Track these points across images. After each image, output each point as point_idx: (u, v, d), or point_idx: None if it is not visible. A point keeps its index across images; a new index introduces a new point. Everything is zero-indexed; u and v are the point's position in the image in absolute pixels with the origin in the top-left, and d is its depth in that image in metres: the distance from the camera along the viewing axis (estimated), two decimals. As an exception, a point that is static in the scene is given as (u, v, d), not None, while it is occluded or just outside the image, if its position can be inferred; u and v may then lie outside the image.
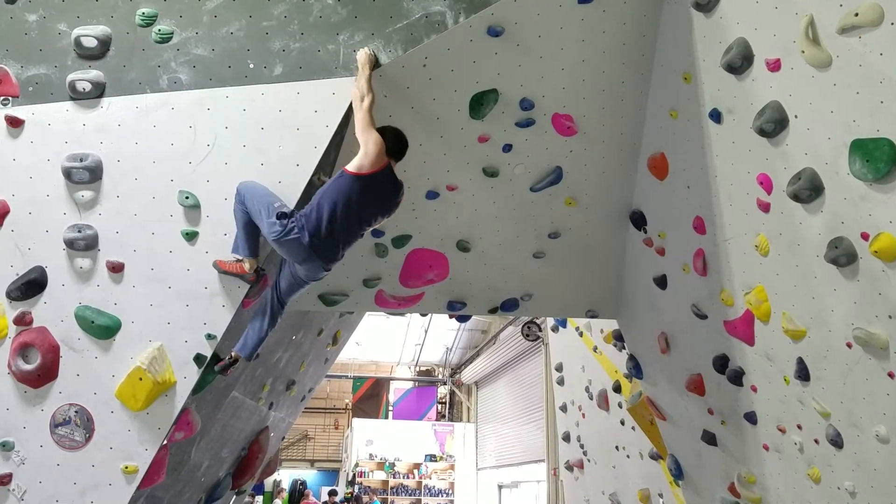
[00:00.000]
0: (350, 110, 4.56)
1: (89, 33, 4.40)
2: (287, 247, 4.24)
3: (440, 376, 24.12)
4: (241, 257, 4.33)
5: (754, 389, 4.92)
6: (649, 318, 5.97)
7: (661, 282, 5.56)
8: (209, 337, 4.37)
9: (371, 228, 4.58)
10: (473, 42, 4.63)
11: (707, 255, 4.91)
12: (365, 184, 4.27)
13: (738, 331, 4.83)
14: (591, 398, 8.48)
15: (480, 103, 4.92)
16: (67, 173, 4.35)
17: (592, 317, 6.44)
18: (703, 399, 5.62)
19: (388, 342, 21.31)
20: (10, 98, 4.45)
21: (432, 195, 5.41)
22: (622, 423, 7.74)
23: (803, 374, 4.30)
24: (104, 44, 4.43)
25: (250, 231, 4.31)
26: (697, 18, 4.25)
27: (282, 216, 4.18)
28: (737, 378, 5.03)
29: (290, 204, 4.37)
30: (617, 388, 7.64)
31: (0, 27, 4.48)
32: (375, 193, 4.35)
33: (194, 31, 4.44)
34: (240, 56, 4.45)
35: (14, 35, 4.48)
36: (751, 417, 5.06)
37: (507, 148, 5.20)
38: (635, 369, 6.59)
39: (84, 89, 4.41)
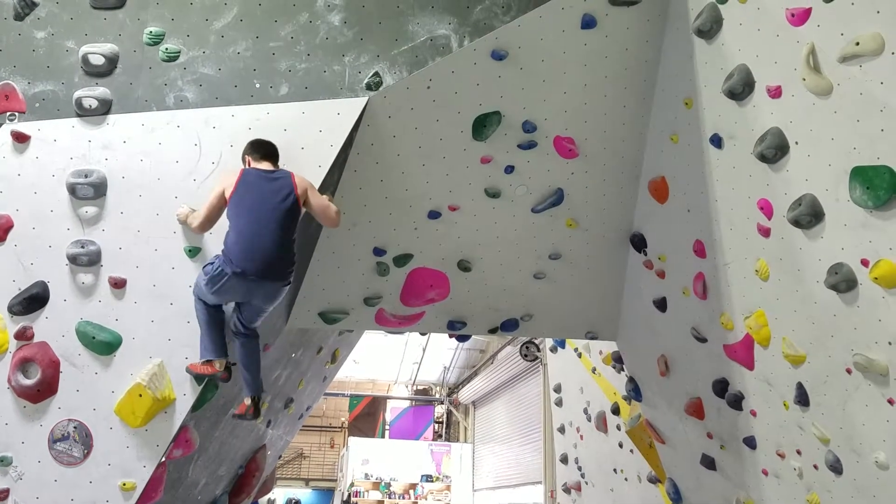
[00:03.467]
0: (355, 129, 4.60)
1: (97, 51, 4.44)
2: (227, 288, 4.09)
3: (437, 395, 24.02)
4: (210, 359, 4.27)
5: (754, 414, 4.91)
6: (649, 341, 5.98)
7: (661, 304, 5.57)
8: (210, 354, 4.36)
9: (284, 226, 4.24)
10: (477, 65, 4.69)
11: (707, 279, 4.93)
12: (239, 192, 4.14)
13: (738, 355, 4.84)
14: (590, 420, 8.45)
15: (483, 125, 4.96)
16: (72, 189, 4.37)
17: (592, 338, 6.44)
18: (703, 423, 5.61)
19: (385, 360, 21.23)
20: (16, 114, 4.49)
21: (434, 215, 5.43)
22: (621, 445, 7.71)
23: (803, 399, 4.30)
24: (111, 61, 4.48)
25: (214, 330, 4.28)
26: (699, 45, 4.30)
27: (209, 263, 4.16)
28: (736, 402, 5.03)
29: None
30: (615, 411, 7.62)
31: (8, 44, 4.53)
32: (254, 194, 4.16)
33: (201, 51, 4.49)
34: (246, 76, 4.49)
35: (22, 52, 4.53)
36: (750, 442, 5.05)
37: (510, 169, 5.24)
38: (634, 391, 6.58)
39: (90, 106, 4.44)
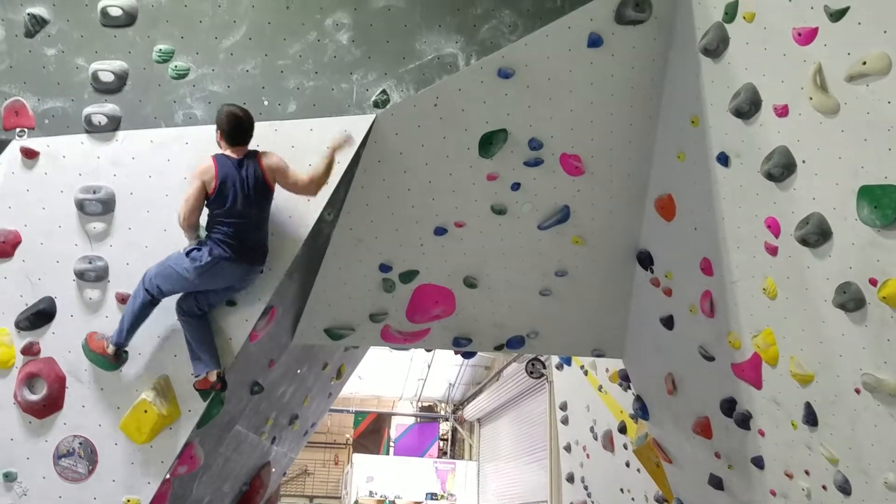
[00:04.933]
0: (362, 146, 4.62)
1: (107, 68, 4.49)
2: (217, 272, 4.15)
3: (442, 412, 23.91)
4: (202, 374, 4.27)
5: (762, 433, 4.88)
6: (656, 359, 5.95)
7: (668, 322, 5.55)
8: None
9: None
10: (484, 83, 4.71)
11: (714, 297, 4.91)
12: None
13: (746, 374, 4.81)
14: (596, 438, 8.39)
15: (490, 142, 4.98)
16: (80, 205, 4.40)
17: (598, 356, 6.42)
18: (710, 442, 5.56)
19: (390, 376, 21.14)
20: (25, 130, 4.54)
21: (440, 231, 5.44)
22: (627, 464, 7.65)
23: (811, 419, 4.27)
24: (121, 78, 4.52)
25: (203, 341, 4.29)
26: (705, 63, 4.31)
27: (194, 249, 4.16)
28: (744, 422, 4.99)
29: (299, 241, 4.42)
30: (622, 429, 7.57)
31: (18, 61, 4.58)
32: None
33: (210, 68, 4.53)
34: (255, 93, 4.52)
35: (32, 68, 4.58)
36: (758, 462, 5.01)
37: (516, 186, 5.25)
38: (641, 410, 6.54)
39: (100, 123, 4.48)
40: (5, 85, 4.57)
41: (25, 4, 4.59)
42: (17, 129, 4.53)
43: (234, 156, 4.20)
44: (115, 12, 4.53)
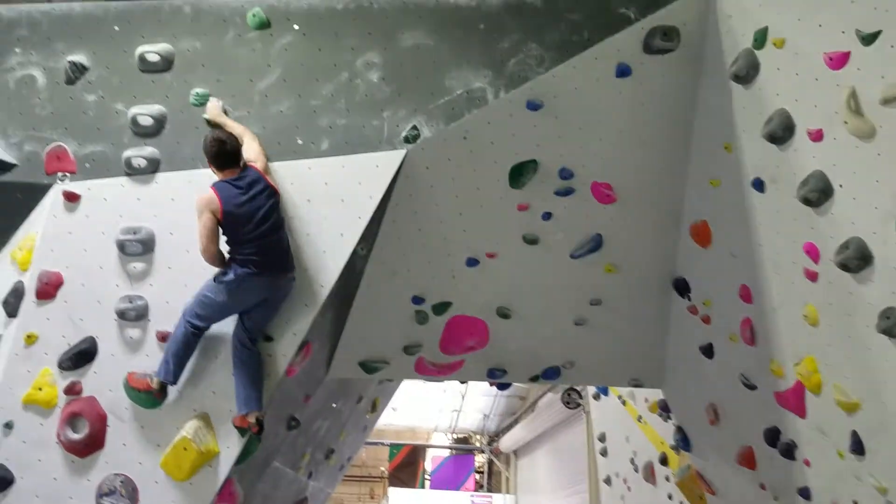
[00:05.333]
0: (393, 181, 4.67)
1: (145, 112, 4.62)
2: (247, 288, 4.22)
3: (478, 444, 23.67)
4: (245, 413, 4.30)
5: (807, 463, 4.74)
6: (696, 388, 5.84)
7: (708, 351, 5.46)
8: (253, 406, 4.39)
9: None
10: (513, 115, 4.75)
11: (755, 325, 4.82)
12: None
13: (789, 402, 4.69)
14: (637, 470, 8.22)
15: (520, 173, 5.00)
16: (121, 246, 4.49)
17: (636, 386, 6.33)
18: (755, 473, 5.42)
19: (424, 407, 21.04)
20: (67, 174, 4.67)
21: (472, 262, 5.44)
22: (670, 497, 7.47)
23: (858, 447, 4.14)
24: (159, 122, 4.64)
25: (250, 379, 4.32)
26: (736, 90, 4.30)
27: (220, 273, 4.24)
28: (789, 451, 4.86)
29: (333, 275, 4.45)
30: (664, 461, 7.41)
31: (59, 107, 4.75)
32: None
33: (246, 110, 4.64)
34: (289, 133, 4.61)
35: (73, 114, 4.74)
36: (805, 493, 4.86)
37: (547, 216, 5.24)
38: (683, 441, 6.41)
39: (139, 165, 4.59)
40: (47, 131, 4.73)
41: (66, 52, 4.76)
42: (59, 174, 4.67)
43: (230, 176, 4.24)
44: (153, 58, 4.67)
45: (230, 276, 4.21)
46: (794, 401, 4.63)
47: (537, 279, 5.59)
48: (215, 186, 4.22)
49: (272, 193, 4.31)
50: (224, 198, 4.16)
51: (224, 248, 4.30)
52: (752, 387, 5.07)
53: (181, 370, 4.32)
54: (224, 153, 4.22)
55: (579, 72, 4.63)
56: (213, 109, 4.53)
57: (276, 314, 4.44)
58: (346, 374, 5.98)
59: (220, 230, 4.23)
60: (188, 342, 4.29)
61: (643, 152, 5.00)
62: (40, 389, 4.42)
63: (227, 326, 4.42)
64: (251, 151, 4.38)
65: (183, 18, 4.73)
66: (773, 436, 5.00)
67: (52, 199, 4.63)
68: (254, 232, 4.20)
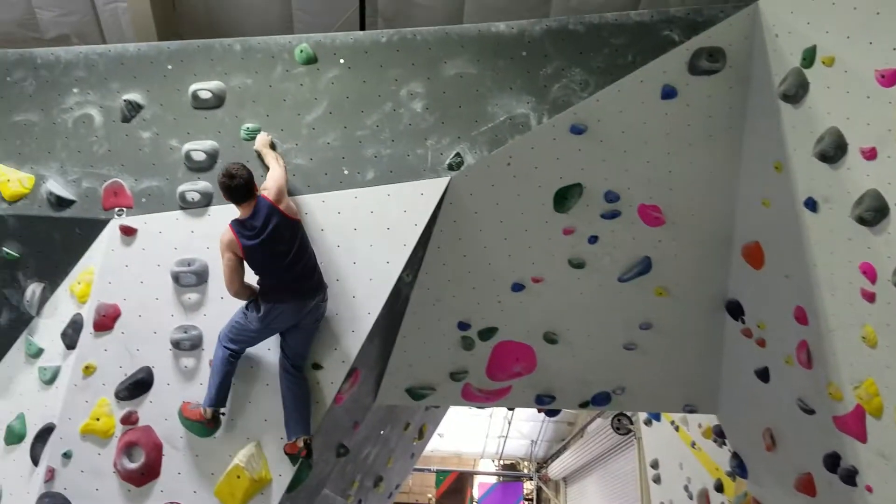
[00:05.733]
0: (438, 208, 4.70)
1: (198, 148, 4.75)
2: (277, 315, 4.27)
3: (526, 470, 23.37)
4: (293, 438, 4.34)
5: (869, 489, 4.57)
6: (752, 413, 5.69)
7: (763, 374, 5.33)
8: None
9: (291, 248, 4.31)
10: (557, 140, 4.75)
11: (811, 347, 4.69)
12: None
13: (849, 427, 4.54)
14: (692, 498, 8.02)
15: (565, 197, 4.99)
16: (176, 277, 4.61)
17: (690, 411, 6.19)
18: (815, 500, 5.24)
19: (470, 433, 20.90)
20: (124, 209, 4.82)
21: (518, 287, 5.43)
22: (726, 525, 7.27)
23: (926, 474, 3.98)
24: (212, 157, 4.77)
25: (296, 404, 4.36)
26: (785, 109, 4.23)
27: (251, 303, 4.32)
28: (849, 477, 4.69)
29: (379, 302, 4.48)
30: (719, 488, 7.22)
31: (116, 144, 4.91)
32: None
33: (294, 143, 4.74)
34: (335, 163, 4.69)
35: (129, 151, 4.89)
36: (869, 521, 4.68)
37: (593, 239, 5.21)
38: (739, 467, 6.24)
39: (193, 199, 4.72)
40: (104, 168, 4.89)
41: (122, 92, 4.94)
42: (117, 209, 4.82)
43: (245, 214, 4.25)
44: (205, 95, 4.82)
45: (262, 308, 4.28)
46: (854, 425, 4.48)
47: (585, 303, 5.54)
48: (231, 224, 4.25)
49: (289, 224, 4.27)
50: (239, 233, 4.22)
51: (253, 278, 4.37)
52: (809, 411, 4.93)
53: (224, 394, 4.38)
54: (231, 189, 4.20)
55: (624, 95, 4.62)
56: (260, 141, 4.63)
57: (312, 339, 4.46)
58: (394, 401, 5.99)
59: (245, 263, 4.30)
60: (226, 366, 4.36)
61: (691, 174, 4.95)
62: (98, 419, 4.53)
63: (276, 357, 4.49)
64: (269, 179, 4.39)
65: (233, 56, 4.87)
66: (832, 461, 4.84)
67: (110, 234, 4.77)
68: (275, 265, 4.24)
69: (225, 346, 4.36)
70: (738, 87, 4.61)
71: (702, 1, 4.87)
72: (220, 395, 4.37)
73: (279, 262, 4.23)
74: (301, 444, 4.33)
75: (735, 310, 5.42)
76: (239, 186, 4.19)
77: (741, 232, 5.10)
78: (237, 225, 4.24)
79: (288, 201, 4.32)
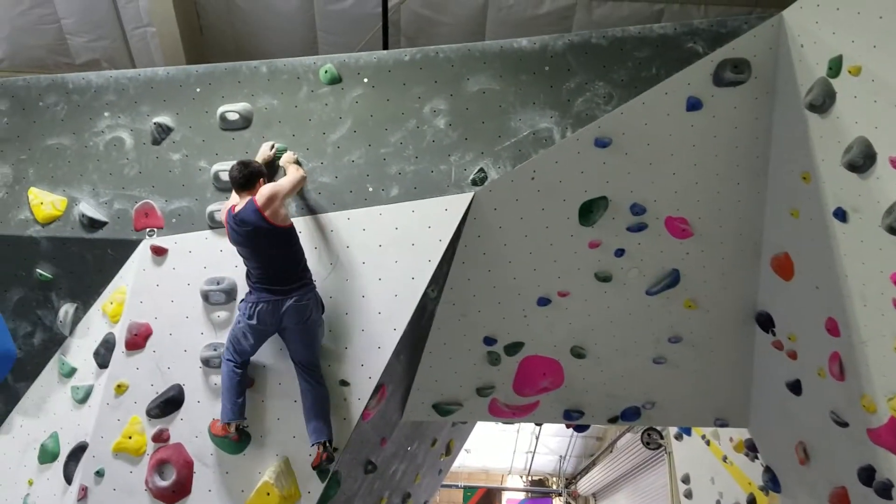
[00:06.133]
0: (462, 223, 4.71)
1: (227, 168, 4.80)
2: (262, 314, 4.29)
3: (554, 486, 23.14)
4: (318, 441, 4.33)
5: (909, 505, 4.47)
6: (784, 427, 5.60)
7: (795, 387, 5.25)
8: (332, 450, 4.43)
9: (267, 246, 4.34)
10: (581, 153, 4.75)
11: (843, 359, 4.62)
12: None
13: (884, 439, 4.46)
14: (724, 513, 7.89)
15: (590, 210, 4.98)
16: (205, 296, 4.66)
17: (721, 425, 6.10)
18: (852, 515, 5.14)
19: (498, 449, 20.77)
20: (155, 230, 4.89)
21: (543, 302, 5.41)
22: (760, 540, 7.14)
23: (966, 488, 3.89)
24: (240, 177, 4.82)
25: (312, 408, 4.37)
26: (812, 119, 4.20)
27: (240, 303, 4.44)
28: (885, 491, 4.60)
29: (405, 318, 4.50)
30: (752, 502, 7.09)
31: (147, 166, 4.99)
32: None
33: (320, 161, 4.79)
34: (360, 181, 4.73)
35: (159, 173, 4.97)
36: (908, 536, 4.57)
37: (620, 252, 5.19)
38: (772, 482, 6.14)
39: (222, 219, 4.77)
40: (135, 189, 4.97)
41: (151, 115, 5.03)
42: (148, 229, 4.90)
43: (238, 206, 4.34)
44: (233, 116, 4.89)
45: (245, 306, 4.37)
46: (889, 437, 4.40)
47: (612, 317, 5.51)
48: (228, 210, 4.40)
49: (270, 230, 4.24)
50: (229, 221, 4.36)
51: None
52: (843, 424, 4.84)
53: (238, 406, 4.38)
54: (231, 176, 4.42)
55: (648, 107, 4.61)
56: (286, 159, 4.69)
57: (310, 341, 4.40)
58: (421, 417, 5.98)
59: None
60: (231, 378, 4.38)
61: (718, 185, 4.91)
62: (130, 437, 4.58)
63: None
64: (271, 184, 4.41)
65: (260, 78, 4.94)
66: (867, 475, 4.75)
67: (141, 254, 4.84)
68: (250, 259, 4.34)
69: (227, 360, 4.42)
70: (763, 98, 4.58)
71: (726, 12, 4.86)
72: (233, 407, 4.38)
73: (254, 258, 4.32)
74: (321, 448, 4.32)
75: (765, 322, 5.35)
76: (239, 178, 4.36)
77: (770, 243, 5.05)
78: (230, 212, 4.37)
79: (279, 208, 4.28)
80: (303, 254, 4.42)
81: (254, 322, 4.33)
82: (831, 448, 5.14)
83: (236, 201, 4.42)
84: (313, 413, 4.37)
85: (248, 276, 4.42)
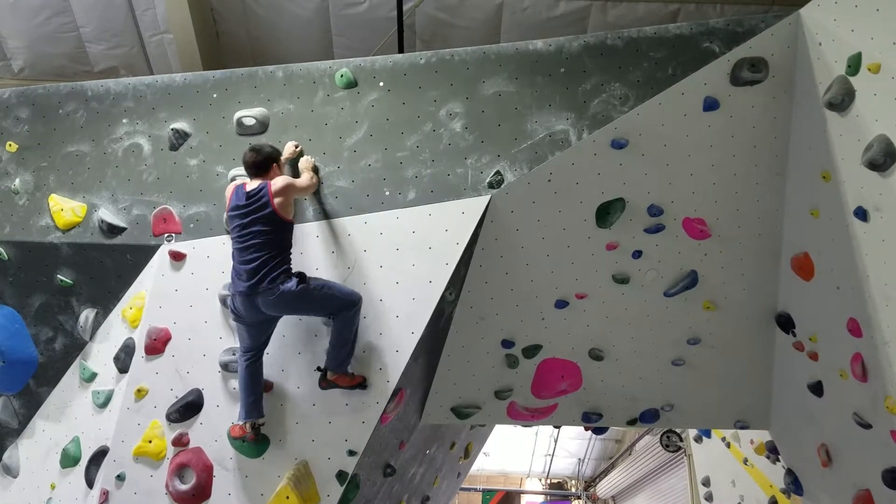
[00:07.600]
0: (479, 226, 4.71)
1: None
2: (240, 307, 4.26)
3: (573, 489, 23.04)
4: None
5: (935, 508, 4.40)
6: (806, 429, 5.54)
7: (817, 388, 5.18)
8: (350, 453, 4.45)
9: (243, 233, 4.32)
10: (597, 155, 4.73)
11: (866, 360, 4.56)
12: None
13: (910, 442, 4.39)
14: (745, 516, 7.82)
15: (607, 212, 4.95)
16: (224, 300, 4.69)
17: (742, 428, 6.04)
18: (876, 519, 5.06)
19: (516, 451, 20.72)
20: (173, 235, 4.93)
21: (561, 304, 5.39)
22: (782, 543, 7.06)
23: None
24: (256, 182, 4.84)
25: (335, 340, 4.40)
26: (831, 118, 4.15)
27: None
28: (912, 495, 4.54)
29: (423, 321, 4.49)
30: (773, 505, 7.03)
31: (165, 172, 5.03)
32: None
33: (336, 166, 4.80)
34: (377, 185, 4.74)
35: (177, 178, 5.01)
36: (935, 540, 4.50)
37: (637, 254, 5.16)
38: (794, 485, 6.06)
39: (227, 195, 4.78)
40: (154, 195, 5.02)
41: (169, 121, 5.07)
42: (166, 235, 4.94)
43: (249, 185, 4.36)
44: (249, 122, 4.92)
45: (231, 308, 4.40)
46: (917, 441, 4.33)
47: (630, 319, 5.48)
48: (237, 186, 4.41)
49: (270, 217, 4.24)
50: (233, 195, 4.36)
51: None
52: (866, 425, 4.78)
53: (249, 405, 4.39)
54: (245, 160, 4.46)
55: (665, 108, 4.58)
56: (304, 164, 4.71)
57: (319, 306, 4.36)
58: (439, 420, 5.97)
59: None
60: (245, 373, 4.39)
61: (737, 185, 4.87)
62: (150, 442, 4.62)
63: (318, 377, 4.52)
64: (285, 177, 4.45)
65: (276, 83, 4.97)
66: (892, 477, 4.68)
67: (160, 259, 4.88)
68: (234, 238, 4.29)
69: (238, 357, 4.46)
70: (781, 97, 4.53)
71: (742, 11, 4.82)
72: (248, 405, 4.39)
73: (240, 241, 4.25)
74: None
75: (786, 323, 5.30)
76: (252, 163, 4.40)
77: (790, 243, 4.99)
78: (238, 188, 4.37)
79: (287, 201, 4.32)
80: (289, 255, 4.34)
81: (232, 316, 4.37)
82: (854, 450, 5.08)
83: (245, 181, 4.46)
84: (330, 343, 4.42)
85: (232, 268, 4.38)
